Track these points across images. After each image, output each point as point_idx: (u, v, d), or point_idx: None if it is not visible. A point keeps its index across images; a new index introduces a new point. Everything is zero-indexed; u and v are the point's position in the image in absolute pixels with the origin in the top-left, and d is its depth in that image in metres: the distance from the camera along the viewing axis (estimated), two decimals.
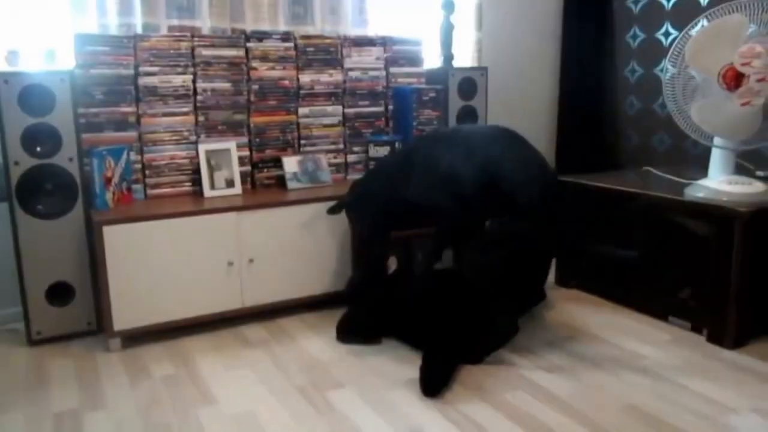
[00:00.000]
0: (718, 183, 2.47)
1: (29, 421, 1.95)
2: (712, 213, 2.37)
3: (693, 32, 2.44)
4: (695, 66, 2.41)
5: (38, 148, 2.39)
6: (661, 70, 3.45)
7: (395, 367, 2.24)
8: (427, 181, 2.44)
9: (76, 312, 2.52)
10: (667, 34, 3.43)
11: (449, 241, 2.51)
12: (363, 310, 2.48)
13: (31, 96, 2.35)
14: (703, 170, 2.70)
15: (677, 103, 2.52)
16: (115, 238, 2.35)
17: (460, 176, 2.36)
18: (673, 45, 2.49)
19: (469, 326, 2.26)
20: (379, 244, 2.60)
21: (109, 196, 2.54)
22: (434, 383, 2.06)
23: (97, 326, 2.56)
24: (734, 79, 2.30)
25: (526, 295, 2.56)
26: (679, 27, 3.33)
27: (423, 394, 2.04)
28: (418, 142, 2.63)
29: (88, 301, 2.54)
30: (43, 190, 2.42)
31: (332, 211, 2.63)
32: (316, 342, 2.48)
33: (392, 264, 2.40)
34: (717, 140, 2.52)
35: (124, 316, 2.40)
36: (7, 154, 2.35)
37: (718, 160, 2.55)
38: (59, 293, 2.49)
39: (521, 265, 2.34)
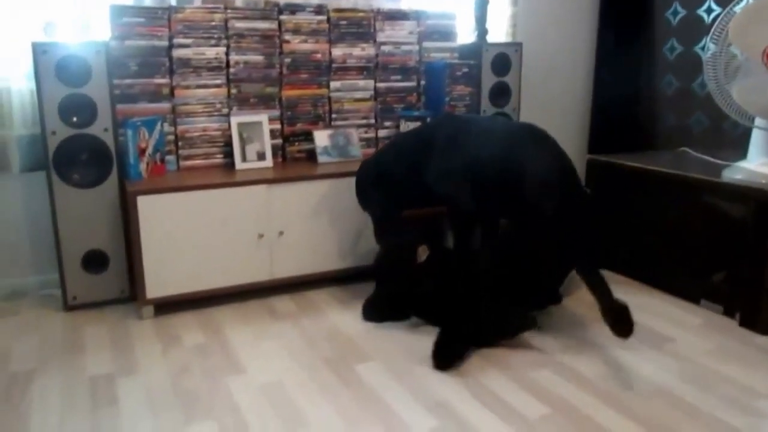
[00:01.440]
0: (758, 165, 2.41)
1: (65, 383, 2.01)
2: (750, 195, 2.32)
3: (737, 9, 2.36)
4: (738, 44, 2.34)
5: (74, 119, 2.43)
6: (702, 48, 3.36)
7: (422, 342, 2.25)
8: (445, 166, 2.39)
9: (111, 279, 2.58)
10: (709, 11, 3.32)
11: (464, 232, 2.48)
12: (388, 293, 2.48)
13: (68, 67, 2.38)
14: (741, 152, 2.63)
15: (718, 82, 2.45)
16: (149, 208, 2.38)
17: (481, 169, 2.31)
18: (716, 22, 2.42)
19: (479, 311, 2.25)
20: (393, 228, 2.58)
21: (142, 166, 2.58)
22: (444, 357, 2.09)
23: (131, 294, 2.62)
24: None
25: (532, 295, 2.50)
26: (722, 3, 3.23)
27: (433, 366, 2.08)
28: (440, 122, 2.56)
29: (122, 269, 2.59)
30: (79, 160, 2.47)
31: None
32: (344, 315, 2.50)
33: (423, 253, 2.39)
34: (758, 121, 2.45)
35: (157, 284, 2.45)
36: (44, 124, 2.39)
37: (758, 141, 2.48)
38: (94, 261, 2.55)
39: (529, 268, 2.31)
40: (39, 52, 2.34)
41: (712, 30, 2.43)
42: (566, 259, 2.43)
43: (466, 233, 2.42)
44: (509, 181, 2.25)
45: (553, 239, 2.29)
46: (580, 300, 2.64)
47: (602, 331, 2.34)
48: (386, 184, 2.56)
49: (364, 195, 2.62)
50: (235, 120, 2.78)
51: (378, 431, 1.74)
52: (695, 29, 3.42)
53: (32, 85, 2.55)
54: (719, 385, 1.97)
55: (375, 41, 3.07)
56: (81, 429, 1.76)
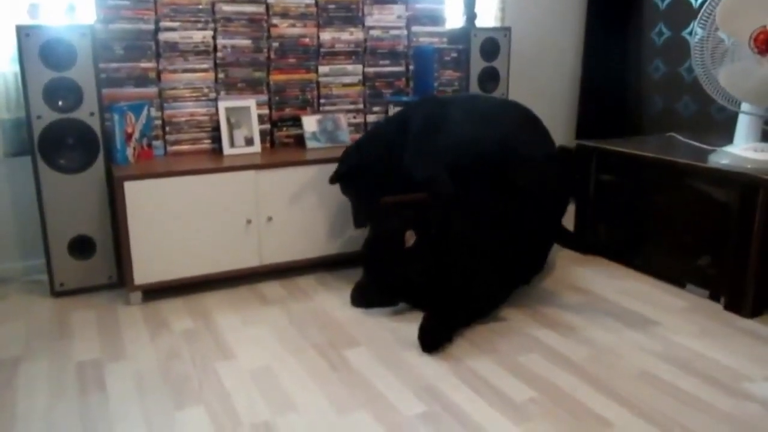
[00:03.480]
0: (743, 150, 2.43)
1: (53, 369, 2.00)
2: (736, 180, 2.33)
3: None
4: (725, 29, 2.34)
5: (60, 103, 2.40)
6: (690, 33, 3.36)
7: (410, 328, 2.26)
8: (423, 150, 2.38)
9: (98, 265, 2.57)
10: None
11: (445, 215, 2.47)
12: (376, 279, 2.48)
13: (53, 50, 2.35)
14: (728, 137, 2.65)
15: (705, 67, 2.46)
16: (136, 193, 2.37)
17: (464, 151, 2.30)
18: (703, 7, 2.42)
19: (464, 288, 2.26)
20: (373, 213, 2.58)
21: (129, 151, 2.56)
22: (431, 339, 2.10)
23: (118, 280, 2.61)
24: (766, 43, 2.24)
25: (519, 269, 2.51)
26: None
27: (421, 350, 2.09)
28: (418, 105, 2.55)
29: (110, 255, 2.58)
30: (65, 145, 2.44)
31: (332, 181, 2.61)
32: (333, 301, 2.50)
33: (410, 238, 2.39)
34: (744, 106, 2.47)
35: (145, 270, 2.44)
36: (29, 108, 2.36)
37: (744, 126, 2.50)
38: (81, 247, 2.53)
39: (512, 241, 2.32)
40: (23, 34, 2.31)
41: (700, 15, 2.43)
42: (550, 236, 2.45)
43: (447, 216, 2.41)
44: (496, 162, 2.26)
45: (537, 218, 2.30)
46: (566, 283, 2.66)
47: (588, 315, 2.37)
48: (368, 170, 2.54)
49: (344, 181, 2.61)
50: (222, 105, 2.76)
51: (366, 416, 1.75)
52: (683, 14, 3.42)
53: (16, 68, 2.51)
54: (704, 368, 1.99)
55: (363, 25, 3.05)
56: (69, 415, 1.76)
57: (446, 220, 2.35)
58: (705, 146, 2.75)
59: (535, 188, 2.26)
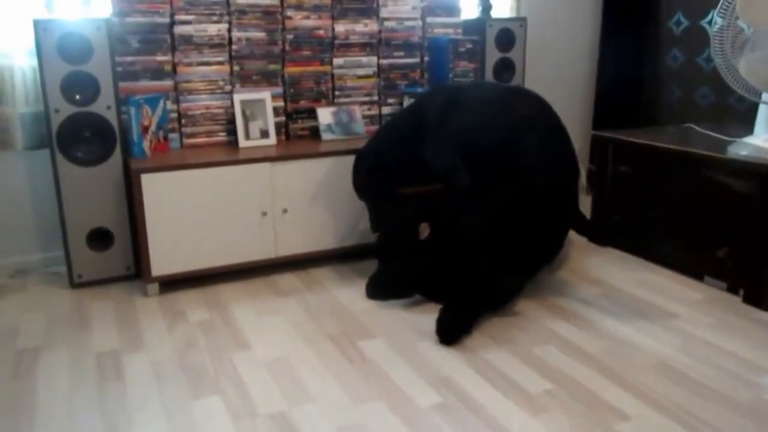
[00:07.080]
0: (764, 141, 2.40)
1: (72, 359, 2.03)
2: (756, 171, 2.30)
3: None
4: (746, 18, 2.31)
5: (77, 96, 2.42)
6: (709, 22, 3.32)
7: (425, 319, 2.26)
8: (440, 140, 2.36)
9: (116, 257, 2.59)
10: None
11: (459, 206, 2.46)
12: (391, 270, 2.48)
13: (69, 44, 2.37)
14: (747, 128, 2.62)
15: (725, 56, 2.43)
16: (153, 186, 2.39)
17: (476, 139, 2.29)
18: None
19: (478, 281, 2.25)
20: (392, 210, 2.57)
21: (146, 144, 2.58)
22: (448, 332, 2.09)
23: (136, 271, 2.63)
24: None
25: (532, 259, 2.48)
26: None
27: (439, 342, 2.09)
28: (431, 94, 2.53)
29: (127, 246, 2.60)
30: (83, 138, 2.46)
31: (356, 182, 2.60)
32: (348, 292, 2.51)
33: (424, 231, 2.38)
34: (765, 96, 2.43)
35: (162, 262, 2.46)
36: (47, 102, 2.38)
37: (764, 116, 2.46)
38: (99, 239, 2.56)
39: (526, 232, 2.30)
40: (40, 29, 2.33)
41: (720, 3, 2.40)
42: (562, 223, 2.43)
43: (459, 207, 2.41)
44: (505, 149, 2.24)
45: (546, 204, 2.28)
46: (583, 275, 2.64)
47: (604, 307, 2.35)
48: (385, 170, 2.53)
49: (360, 186, 2.60)
50: (237, 97, 2.77)
51: (382, 407, 1.75)
52: (702, 3, 3.37)
53: (34, 62, 2.54)
54: (722, 361, 1.98)
55: (378, 17, 3.04)
56: (88, 404, 1.78)
57: (458, 211, 2.34)
58: (724, 137, 2.71)
59: (537, 172, 2.23)
